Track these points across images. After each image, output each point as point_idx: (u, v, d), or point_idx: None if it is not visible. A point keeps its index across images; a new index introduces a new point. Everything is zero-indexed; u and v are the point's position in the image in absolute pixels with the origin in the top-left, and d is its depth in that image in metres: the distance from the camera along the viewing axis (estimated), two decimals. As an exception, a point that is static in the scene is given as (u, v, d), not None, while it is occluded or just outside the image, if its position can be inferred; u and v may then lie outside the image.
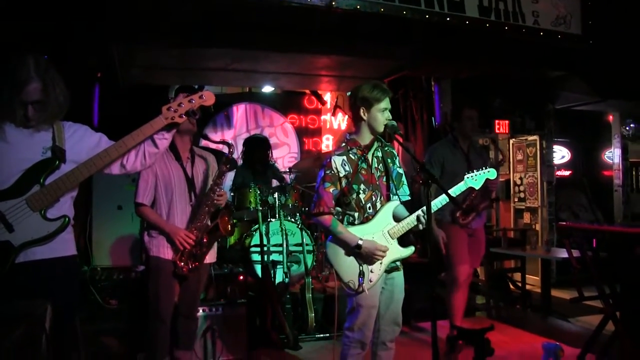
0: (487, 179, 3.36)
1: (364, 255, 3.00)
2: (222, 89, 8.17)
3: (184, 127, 3.51)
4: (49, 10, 4.25)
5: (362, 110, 3.10)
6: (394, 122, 3.12)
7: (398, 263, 3.17)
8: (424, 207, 2.99)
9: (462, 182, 3.27)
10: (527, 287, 6.49)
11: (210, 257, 3.74)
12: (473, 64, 6.07)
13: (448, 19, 4.84)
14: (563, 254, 5.51)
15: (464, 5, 4.92)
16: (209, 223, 3.62)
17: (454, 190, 3.21)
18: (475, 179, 3.31)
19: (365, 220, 3.10)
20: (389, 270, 3.12)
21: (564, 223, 4.43)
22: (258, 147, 6.31)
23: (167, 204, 3.58)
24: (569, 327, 5.45)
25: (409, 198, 3.28)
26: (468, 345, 4.12)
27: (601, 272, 4.00)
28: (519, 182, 8.11)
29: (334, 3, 4.41)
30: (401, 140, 3.07)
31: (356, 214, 3.11)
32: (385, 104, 3.10)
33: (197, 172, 3.72)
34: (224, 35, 4.77)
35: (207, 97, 2.73)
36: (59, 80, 2.60)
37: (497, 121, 7.42)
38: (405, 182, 3.30)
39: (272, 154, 6.53)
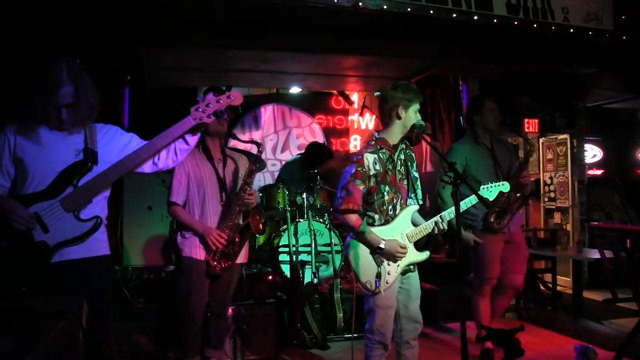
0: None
1: (386, 255, 3.02)
2: (249, 90, 8.23)
3: (214, 128, 3.57)
4: (78, 15, 4.33)
5: (399, 109, 3.07)
6: (422, 122, 3.11)
7: (412, 266, 3.18)
8: (442, 213, 3.04)
9: (472, 196, 3.15)
10: (558, 288, 6.37)
11: (242, 257, 3.78)
12: (501, 62, 5.98)
13: (475, 17, 4.76)
14: (595, 254, 5.38)
15: (491, 3, 4.84)
16: (241, 222, 3.66)
17: (463, 204, 3.11)
18: (490, 190, 3.25)
19: (385, 222, 3.11)
20: (404, 272, 3.14)
21: (596, 223, 4.33)
22: (318, 156, 6.19)
23: (199, 204, 3.64)
24: (602, 330, 5.32)
25: (422, 203, 3.27)
26: (498, 349, 4.06)
27: (636, 273, 3.91)
28: (549, 181, 7.97)
29: (360, 4, 4.39)
30: (429, 139, 3.05)
31: (376, 216, 3.11)
32: (419, 104, 3.12)
33: (228, 173, 3.77)
34: (250, 36, 4.80)
35: (235, 97, 2.75)
36: (90, 84, 2.66)
37: (526, 120, 7.31)
38: (420, 187, 3.29)
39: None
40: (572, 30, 5.20)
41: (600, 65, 6.25)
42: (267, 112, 8.24)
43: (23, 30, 4.33)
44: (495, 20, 4.84)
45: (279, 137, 8.22)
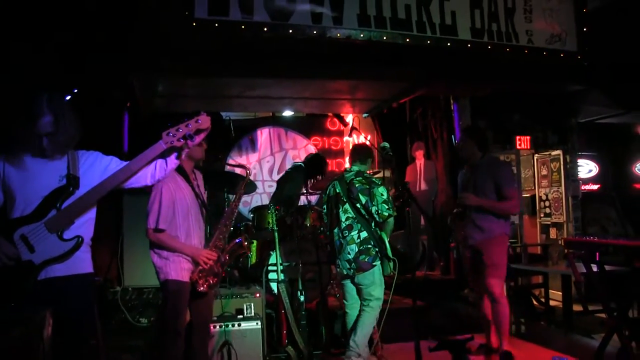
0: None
1: None
2: (255, 114, 8.40)
3: (194, 153, 3.65)
4: (74, 45, 4.56)
5: None
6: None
7: None
8: None
9: None
10: (553, 303, 6.40)
11: None
12: (479, 83, 6.14)
13: (449, 43, 4.99)
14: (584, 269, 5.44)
15: (456, 28, 5.01)
16: (227, 243, 3.76)
17: None
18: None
19: None
20: None
21: (571, 238, 4.45)
22: (317, 167, 6.40)
23: (184, 226, 3.64)
24: (592, 344, 5.34)
25: None
26: None
27: (604, 285, 4.01)
28: (544, 197, 8.05)
29: (327, 34, 4.59)
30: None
31: None
32: None
33: (200, 190, 3.83)
34: (233, 65, 5.01)
35: (203, 121, 2.93)
36: (71, 115, 2.87)
37: (518, 137, 7.44)
38: None
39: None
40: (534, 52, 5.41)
41: (584, 82, 6.38)
42: (263, 135, 8.42)
43: (27, 64, 4.56)
44: (468, 45, 5.01)
45: (275, 159, 8.41)
